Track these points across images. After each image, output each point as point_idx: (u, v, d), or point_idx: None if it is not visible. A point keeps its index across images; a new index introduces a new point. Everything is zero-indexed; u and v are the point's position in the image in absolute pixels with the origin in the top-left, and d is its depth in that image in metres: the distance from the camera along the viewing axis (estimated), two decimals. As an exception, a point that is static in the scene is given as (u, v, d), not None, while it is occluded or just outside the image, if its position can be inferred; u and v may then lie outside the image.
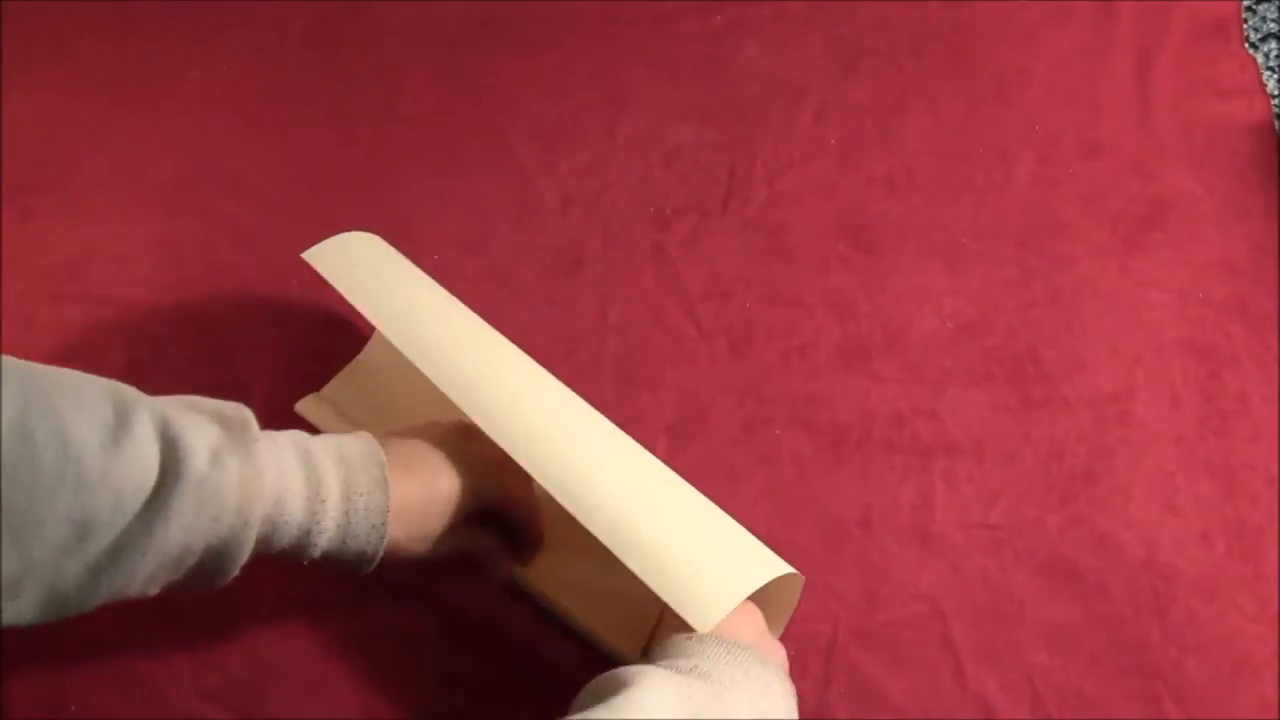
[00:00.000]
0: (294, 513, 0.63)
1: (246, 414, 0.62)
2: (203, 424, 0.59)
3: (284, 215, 0.95)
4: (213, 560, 0.60)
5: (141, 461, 0.55)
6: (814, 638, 0.78)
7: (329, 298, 0.90)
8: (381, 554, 0.67)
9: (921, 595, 0.79)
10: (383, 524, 0.66)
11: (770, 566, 0.70)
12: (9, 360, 0.54)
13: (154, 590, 0.60)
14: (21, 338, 0.88)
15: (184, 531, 0.57)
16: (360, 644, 0.75)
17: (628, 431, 0.79)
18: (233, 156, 0.98)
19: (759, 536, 0.75)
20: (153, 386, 0.86)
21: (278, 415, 0.86)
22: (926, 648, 0.78)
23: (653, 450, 0.78)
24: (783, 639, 0.77)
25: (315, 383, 0.86)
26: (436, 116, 0.99)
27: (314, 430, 0.82)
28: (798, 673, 0.77)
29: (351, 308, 0.89)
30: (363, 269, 0.79)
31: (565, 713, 0.58)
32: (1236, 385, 0.86)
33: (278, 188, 0.96)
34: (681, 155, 0.96)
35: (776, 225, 0.93)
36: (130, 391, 0.58)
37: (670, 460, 0.79)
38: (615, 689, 0.56)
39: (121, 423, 0.55)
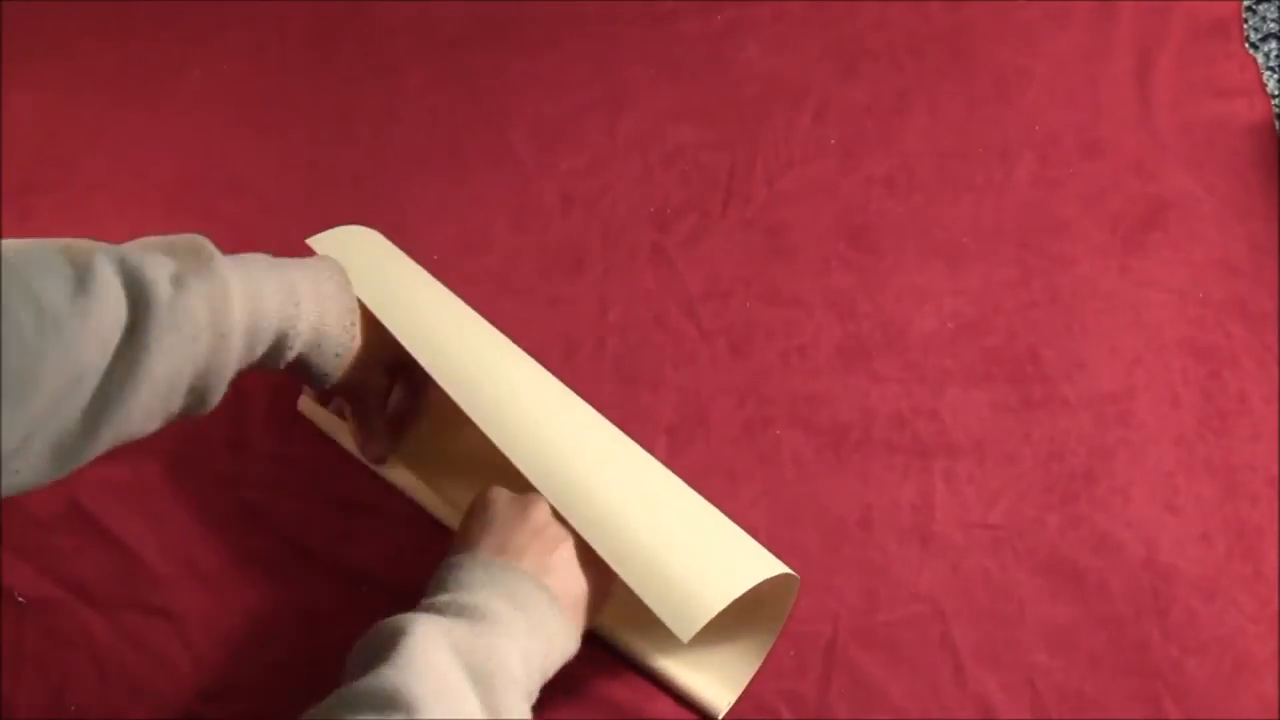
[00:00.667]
0: (270, 316, 0.66)
1: (199, 240, 0.65)
2: (158, 257, 0.61)
3: (284, 215, 0.95)
4: (200, 380, 0.63)
5: (111, 303, 0.57)
6: (814, 637, 0.78)
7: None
8: (353, 355, 0.72)
9: (921, 595, 0.80)
10: (353, 324, 0.72)
11: (761, 567, 0.70)
12: None
13: (153, 426, 0.62)
14: (21, 338, 0.88)
15: (166, 356, 0.59)
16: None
17: (627, 431, 0.79)
18: (233, 156, 0.98)
19: (759, 537, 0.75)
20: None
21: (278, 415, 0.86)
22: (926, 647, 0.78)
23: (652, 450, 0.79)
24: (782, 638, 0.77)
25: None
26: (436, 116, 0.99)
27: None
28: (798, 672, 0.77)
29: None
30: (364, 260, 0.79)
31: None
32: (1236, 385, 0.86)
33: (278, 188, 0.96)
34: (681, 155, 0.96)
35: (776, 225, 0.93)
36: (83, 243, 0.60)
37: (670, 460, 0.79)
38: (389, 643, 0.57)
39: (83, 273, 0.57)
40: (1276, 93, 0.95)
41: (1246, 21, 0.98)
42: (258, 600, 0.81)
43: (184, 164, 0.98)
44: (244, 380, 0.86)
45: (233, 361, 0.64)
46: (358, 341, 0.73)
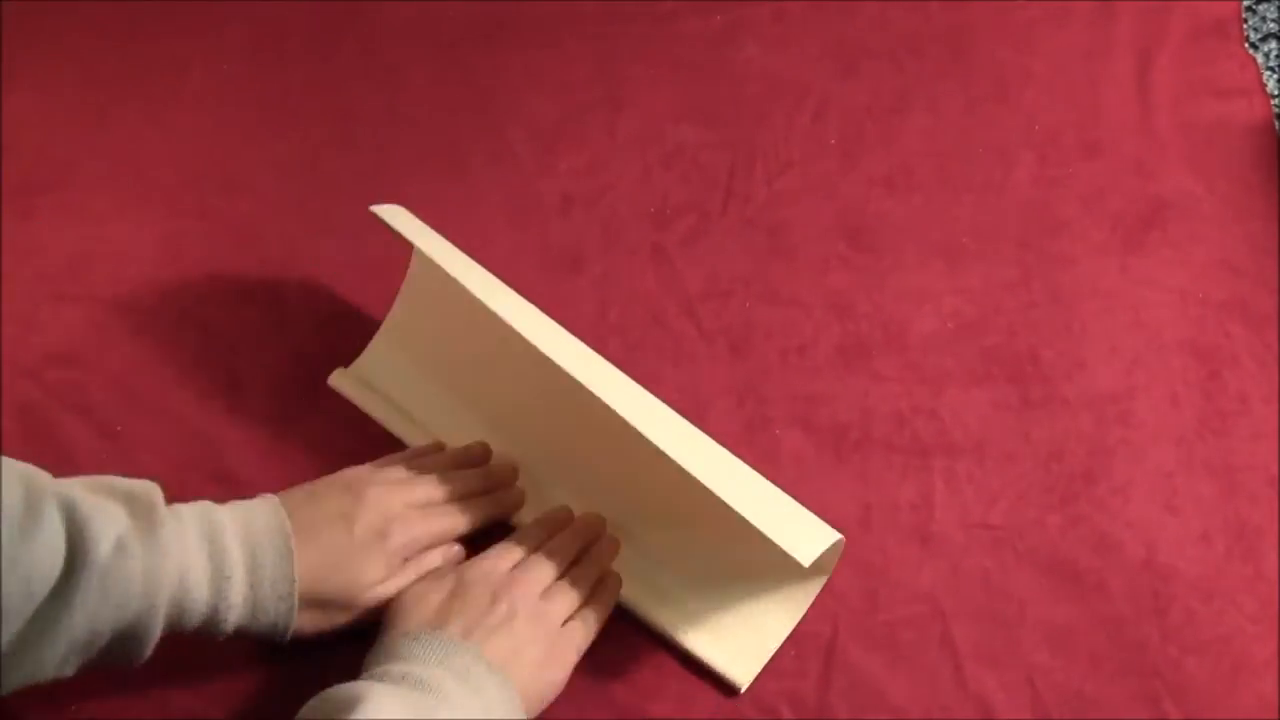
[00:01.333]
0: (200, 592, 0.64)
1: (155, 495, 0.64)
2: (110, 509, 0.61)
3: (284, 215, 0.95)
4: (121, 644, 0.62)
5: (49, 550, 0.57)
6: (814, 637, 0.78)
7: (329, 298, 0.91)
8: (293, 624, 0.68)
9: (921, 595, 0.79)
10: (290, 594, 0.67)
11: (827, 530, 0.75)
12: None
13: (69, 672, 0.62)
14: (21, 338, 0.88)
15: (89, 619, 0.59)
16: (361, 645, 0.74)
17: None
18: (233, 156, 0.98)
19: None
20: (154, 386, 0.87)
21: (278, 415, 0.86)
22: (926, 647, 0.78)
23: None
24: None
25: (316, 382, 0.86)
26: (436, 116, 0.99)
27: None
28: (798, 672, 0.77)
29: (352, 307, 0.90)
30: (420, 229, 0.83)
31: None
32: (1237, 385, 0.86)
33: (278, 188, 0.96)
34: (681, 155, 0.96)
35: (776, 225, 0.93)
36: (40, 477, 0.60)
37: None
38: (343, 709, 0.58)
39: (31, 511, 0.57)
40: (1276, 93, 0.95)
41: (1246, 21, 0.98)
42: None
43: (184, 164, 0.98)
44: (242, 378, 0.87)
45: (156, 629, 0.63)
46: (293, 613, 0.68)
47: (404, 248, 0.84)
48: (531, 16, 1.03)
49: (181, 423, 0.85)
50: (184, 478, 0.84)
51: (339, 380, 0.86)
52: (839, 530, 0.75)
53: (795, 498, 0.78)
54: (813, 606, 0.78)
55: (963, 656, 0.78)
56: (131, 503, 0.63)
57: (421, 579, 0.72)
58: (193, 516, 0.66)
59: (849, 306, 0.89)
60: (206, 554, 0.65)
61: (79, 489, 0.61)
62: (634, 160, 0.96)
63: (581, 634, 0.72)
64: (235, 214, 0.95)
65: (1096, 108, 0.96)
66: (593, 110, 0.99)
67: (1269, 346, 0.87)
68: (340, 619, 0.71)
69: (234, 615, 0.66)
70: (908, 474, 0.83)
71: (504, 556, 0.73)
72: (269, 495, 0.71)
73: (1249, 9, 0.99)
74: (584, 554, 0.77)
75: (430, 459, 0.79)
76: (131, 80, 1.02)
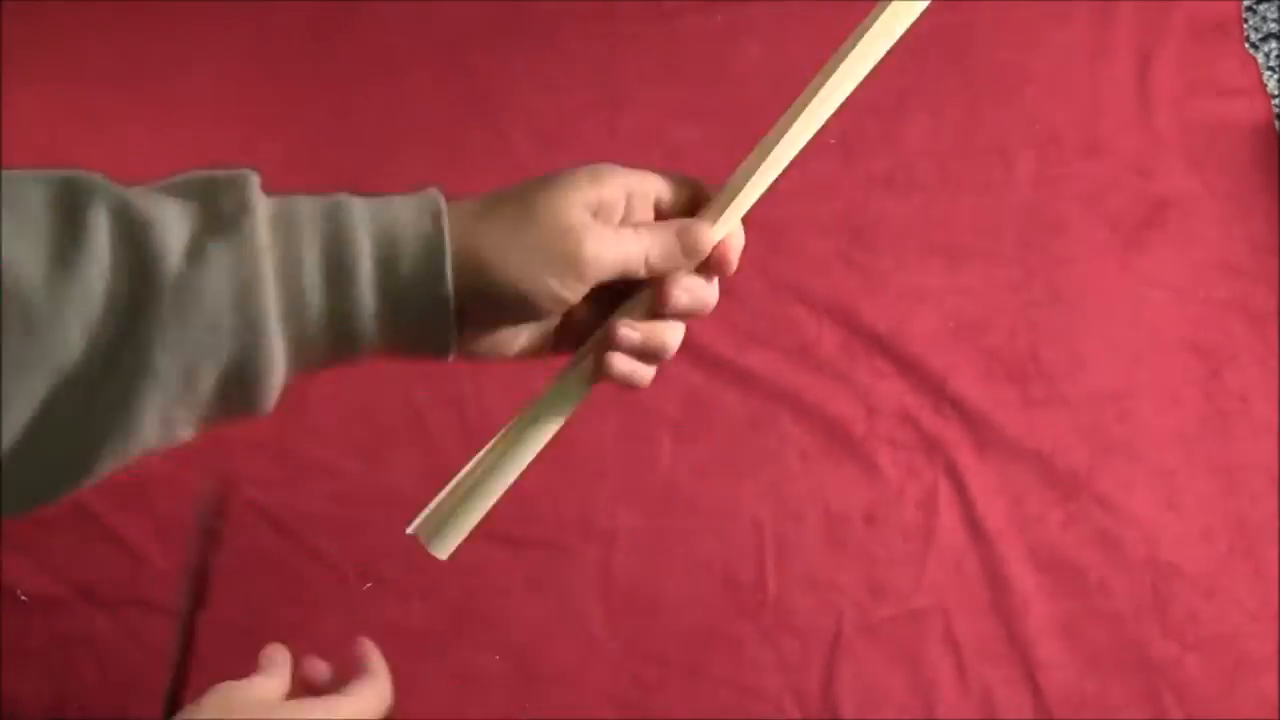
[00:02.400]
0: (314, 294, 0.47)
1: (242, 180, 0.47)
2: (176, 210, 0.46)
3: (284, 214, 0.94)
4: (233, 378, 0.47)
5: (101, 278, 0.43)
6: (818, 633, 0.78)
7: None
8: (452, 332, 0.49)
9: (924, 591, 0.80)
10: (439, 231, 0.48)
11: None
12: None
13: (185, 433, 0.47)
14: (22, 336, 0.88)
15: (173, 352, 0.44)
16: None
17: (632, 428, 0.79)
18: (233, 156, 0.97)
19: (763, 533, 0.75)
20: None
21: (281, 410, 0.86)
22: (929, 643, 0.78)
23: (658, 446, 0.79)
24: (787, 634, 0.77)
25: (315, 379, 0.86)
26: (437, 115, 0.99)
27: None
28: (802, 667, 0.77)
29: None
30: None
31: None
32: (1237, 384, 0.86)
33: (278, 187, 0.95)
34: (681, 154, 0.96)
35: (777, 224, 0.93)
36: (84, 182, 0.45)
37: (675, 455, 0.80)
38: None
39: (70, 236, 0.43)
40: (1276, 93, 0.96)
41: (1246, 21, 0.99)
42: (260, 598, 0.81)
43: (184, 164, 0.96)
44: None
45: (275, 355, 0.47)
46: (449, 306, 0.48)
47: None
48: (531, 16, 1.03)
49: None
50: (185, 476, 0.84)
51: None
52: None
53: (800, 495, 0.78)
54: (817, 602, 0.79)
55: (965, 652, 0.78)
56: (209, 194, 0.47)
57: None
58: (299, 201, 0.48)
59: (850, 305, 0.89)
60: (319, 243, 0.47)
61: (138, 191, 0.46)
62: (634, 160, 0.95)
63: None
64: (236, 213, 0.95)
65: (1096, 107, 0.96)
66: (593, 110, 0.99)
67: (1269, 345, 0.87)
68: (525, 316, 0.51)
69: (367, 315, 0.48)
70: (911, 472, 0.83)
71: None
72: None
73: (1249, 9, 0.99)
74: None
75: None
76: (132, 79, 1.02)
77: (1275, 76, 0.97)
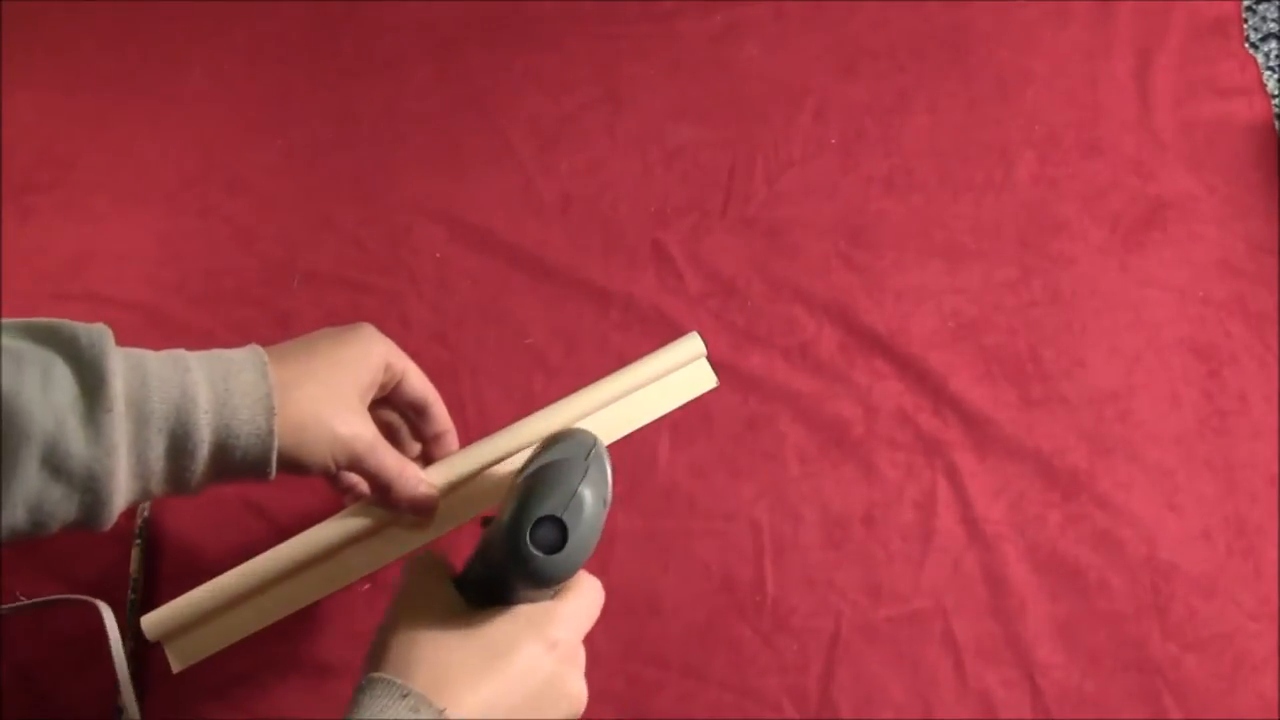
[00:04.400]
0: (159, 466, 0.58)
1: (102, 355, 0.56)
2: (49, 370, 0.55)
3: (284, 215, 0.95)
4: (77, 525, 0.57)
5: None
6: (817, 633, 0.78)
7: (330, 297, 0.91)
8: (275, 444, 0.60)
9: (923, 591, 0.80)
10: (267, 395, 0.60)
11: None
12: None
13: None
14: (22, 336, 0.88)
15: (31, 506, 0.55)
16: (362, 641, 0.74)
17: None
18: (233, 156, 0.98)
19: (761, 534, 0.75)
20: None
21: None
22: (928, 644, 0.78)
23: (656, 446, 0.79)
24: (785, 634, 0.77)
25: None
26: (437, 115, 0.99)
27: None
28: (800, 667, 0.77)
29: (352, 306, 0.90)
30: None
31: None
32: (1236, 384, 0.86)
33: (278, 187, 0.96)
34: (681, 155, 0.96)
35: (777, 224, 0.93)
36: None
37: (674, 456, 0.80)
38: None
39: None
40: (1276, 93, 0.96)
41: (1246, 21, 0.98)
42: (259, 598, 0.81)
43: (184, 163, 0.98)
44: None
45: (114, 512, 0.57)
46: (274, 417, 0.60)
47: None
48: (531, 16, 1.03)
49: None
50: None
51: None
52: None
53: (798, 495, 0.78)
54: (816, 602, 0.79)
55: (964, 653, 0.78)
56: (76, 360, 0.56)
57: None
58: (152, 385, 0.58)
59: (850, 305, 0.89)
60: (165, 440, 0.58)
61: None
62: (634, 160, 0.96)
63: None
64: (235, 213, 0.95)
65: (1096, 108, 0.96)
66: (593, 110, 0.99)
67: (1269, 346, 0.87)
68: (320, 451, 0.64)
69: (199, 482, 0.60)
70: (910, 472, 0.84)
71: None
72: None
73: (1249, 9, 0.99)
74: None
75: None
76: (131, 80, 1.02)
77: (1275, 76, 0.97)
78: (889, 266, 0.91)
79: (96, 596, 0.81)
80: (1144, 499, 0.83)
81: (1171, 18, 0.98)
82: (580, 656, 0.60)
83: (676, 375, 0.74)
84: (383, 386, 0.69)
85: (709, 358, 0.75)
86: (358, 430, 0.64)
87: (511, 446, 0.70)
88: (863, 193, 0.94)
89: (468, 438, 0.72)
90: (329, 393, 0.63)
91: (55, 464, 0.54)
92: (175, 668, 0.68)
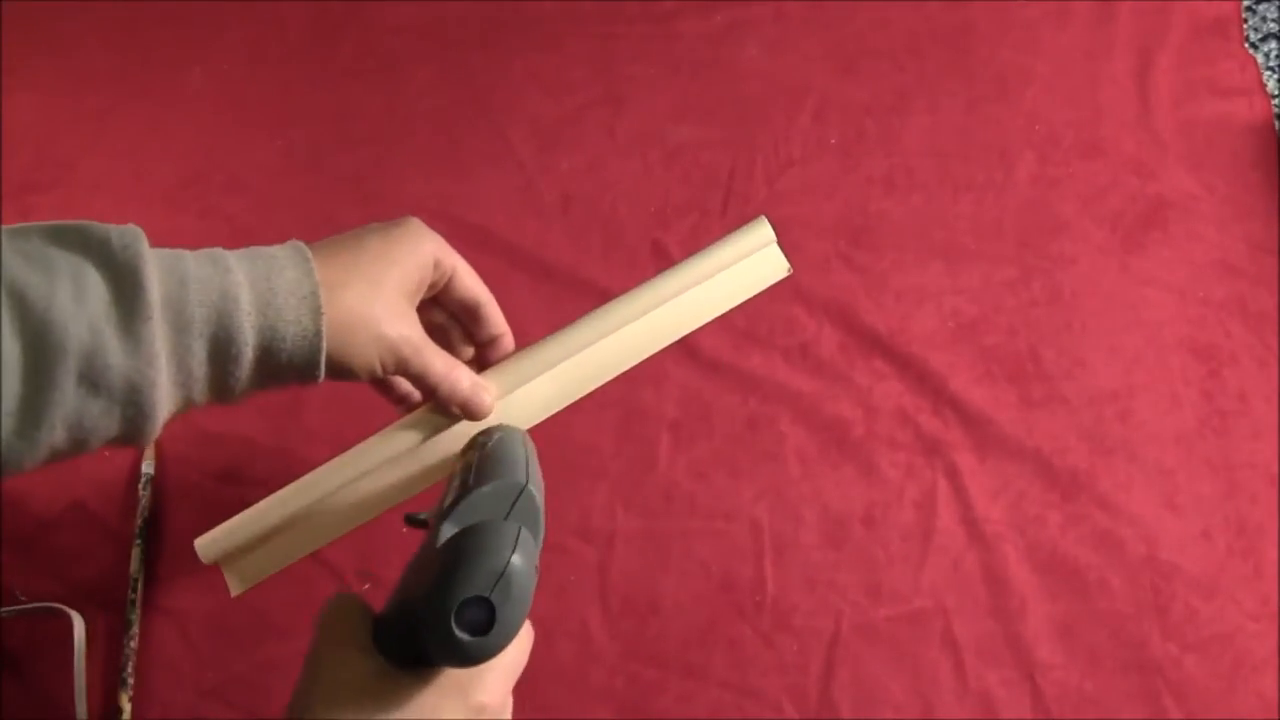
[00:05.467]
0: (201, 372, 0.56)
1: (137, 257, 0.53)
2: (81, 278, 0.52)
3: (284, 215, 0.95)
4: (121, 441, 0.55)
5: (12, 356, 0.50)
6: (817, 633, 0.78)
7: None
8: (324, 345, 0.58)
9: (923, 592, 0.80)
10: (313, 293, 0.57)
11: None
12: None
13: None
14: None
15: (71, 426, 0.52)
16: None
17: (632, 428, 0.79)
18: (233, 156, 0.98)
19: (761, 533, 0.75)
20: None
21: (276, 415, 0.86)
22: (928, 644, 0.78)
23: (656, 446, 0.79)
24: (785, 633, 0.77)
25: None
26: (437, 115, 0.99)
27: None
28: (801, 667, 0.77)
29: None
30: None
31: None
32: (1236, 384, 0.86)
33: (278, 187, 0.96)
34: (681, 155, 0.96)
35: (776, 224, 0.93)
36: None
37: (674, 456, 0.80)
38: None
39: None
40: (1276, 93, 0.96)
41: (1246, 21, 0.98)
42: (259, 597, 0.81)
43: (184, 163, 0.98)
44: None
45: (158, 425, 0.55)
46: (321, 315, 0.58)
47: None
48: (531, 16, 1.03)
49: (182, 421, 0.85)
50: (186, 475, 0.85)
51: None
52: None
53: (799, 495, 0.78)
54: (816, 602, 0.79)
55: (964, 653, 0.78)
56: (109, 266, 0.53)
57: None
58: (191, 287, 0.55)
59: (850, 305, 0.89)
60: (207, 344, 0.55)
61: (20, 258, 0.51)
62: (634, 160, 0.96)
63: None
64: (235, 213, 0.95)
65: (1096, 108, 0.96)
66: (593, 110, 0.99)
67: (1268, 346, 0.87)
68: (369, 342, 0.61)
69: (243, 388, 0.58)
70: (910, 472, 0.84)
71: None
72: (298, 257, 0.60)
73: (1249, 9, 0.99)
74: None
75: None
76: (131, 80, 1.02)
77: (1275, 76, 0.97)
78: (889, 267, 0.91)
79: (96, 596, 0.81)
80: (1144, 499, 0.83)
81: (1171, 18, 0.98)
82: (508, 708, 0.58)
83: (746, 263, 0.73)
84: (432, 285, 0.66)
85: (779, 244, 0.74)
86: (405, 332, 0.61)
87: (571, 348, 0.69)
88: (863, 193, 0.94)
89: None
90: (377, 292, 0.60)
91: (93, 378, 0.51)
92: (234, 591, 0.66)
